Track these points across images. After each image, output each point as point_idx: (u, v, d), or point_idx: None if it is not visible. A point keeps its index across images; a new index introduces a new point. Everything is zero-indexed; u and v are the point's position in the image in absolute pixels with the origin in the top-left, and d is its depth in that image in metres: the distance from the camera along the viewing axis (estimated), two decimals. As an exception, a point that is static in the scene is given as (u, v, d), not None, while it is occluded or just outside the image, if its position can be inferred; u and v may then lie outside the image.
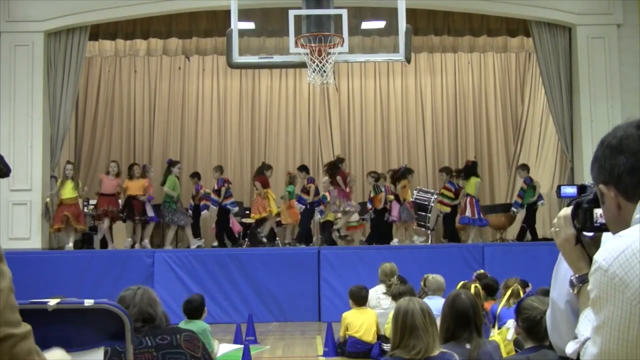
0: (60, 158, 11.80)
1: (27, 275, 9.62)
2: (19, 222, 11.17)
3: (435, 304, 5.15)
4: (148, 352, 3.12)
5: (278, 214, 12.28)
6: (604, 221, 1.57)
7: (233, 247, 12.01)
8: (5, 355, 1.32)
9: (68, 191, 11.26)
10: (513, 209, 12.20)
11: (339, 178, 11.82)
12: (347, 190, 11.93)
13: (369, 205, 12.24)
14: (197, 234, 12.26)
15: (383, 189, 12.11)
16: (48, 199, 11.32)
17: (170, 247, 11.97)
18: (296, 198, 12.24)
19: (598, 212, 1.59)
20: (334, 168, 11.99)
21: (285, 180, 12.55)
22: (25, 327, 1.38)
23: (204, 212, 12.33)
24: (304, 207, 12.07)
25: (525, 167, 12.34)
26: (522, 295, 5.74)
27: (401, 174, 12.19)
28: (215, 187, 12.15)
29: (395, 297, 6.84)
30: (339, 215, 12.24)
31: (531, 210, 11.99)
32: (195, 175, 12.78)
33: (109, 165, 12.06)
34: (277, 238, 12.58)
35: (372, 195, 12.14)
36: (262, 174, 12.12)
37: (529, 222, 11.96)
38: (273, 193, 12.15)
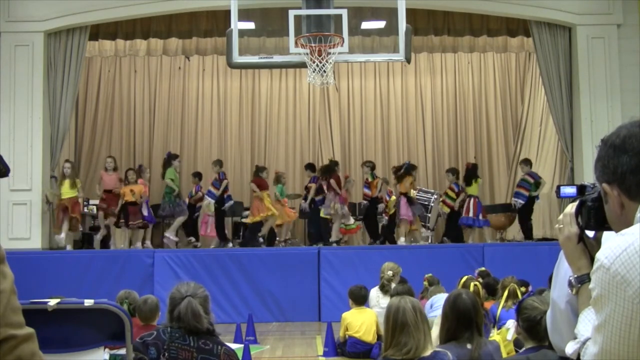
0: (60, 158, 11.80)
1: (27, 275, 9.61)
2: (19, 222, 11.16)
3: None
4: (189, 350, 3.20)
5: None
6: None
7: (223, 245, 11.99)
8: (6, 357, 1.31)
9: (67, 190, 11.27)
10: (519, 200, 11.90)
11: (332, 181, 11.80)
12: (342, 192, 11.93)
13: (366, 191, 12.21)
14: (189, 233, 12.28)
15: (388, 193, 12.16)
16: (47, 193, 11.28)
17: (176, 238, 12.05)
18: (285, 196, 12.35)
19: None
20: (329, 171, 11.96)
21: (273, 179, 12.42)
22: (28, 330, 1.37)
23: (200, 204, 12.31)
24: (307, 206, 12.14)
25: (528, 162, 12.33)
26: (519, 294, 5.74)
27: (405, 171, 12.07)
28: (217, 179, 12.12)
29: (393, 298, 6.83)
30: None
31: (530, 206, 11.96)
32: (197, 175, 12.78)
33: (105, 161, 12.10)
34: (277, 238, 12.57)
35: (369, 180, 12.11)
36: (257, 176, 12.07)
37: (526, 217, 11.93)
38: (269, 196, 12.02)
